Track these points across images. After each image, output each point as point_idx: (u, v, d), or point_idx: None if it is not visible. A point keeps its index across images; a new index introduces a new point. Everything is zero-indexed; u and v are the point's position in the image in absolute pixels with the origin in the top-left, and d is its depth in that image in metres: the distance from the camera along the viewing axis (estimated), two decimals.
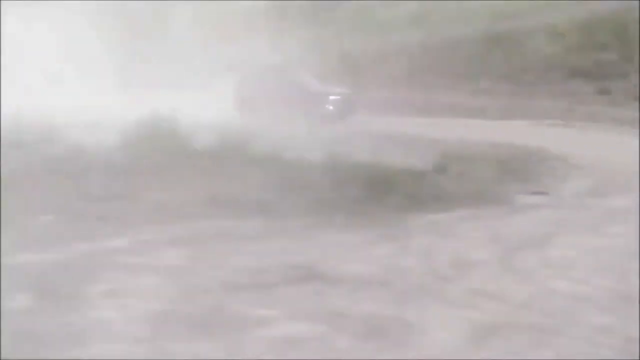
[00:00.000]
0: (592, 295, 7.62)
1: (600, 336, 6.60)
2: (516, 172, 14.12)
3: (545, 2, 31.10)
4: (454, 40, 28.08)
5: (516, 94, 23.78)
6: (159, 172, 10.51)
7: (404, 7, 39.36)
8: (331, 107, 22.36)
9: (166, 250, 8.66)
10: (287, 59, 33.45)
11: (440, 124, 21.47)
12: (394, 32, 32.49)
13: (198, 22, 29.20)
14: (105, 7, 27.16)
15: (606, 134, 19.88)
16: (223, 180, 10.90)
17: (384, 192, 11.37)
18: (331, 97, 22.56)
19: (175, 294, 7.05)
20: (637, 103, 22.15)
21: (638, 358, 6.02)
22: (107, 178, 10.75)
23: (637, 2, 28.42)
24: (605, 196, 12.84)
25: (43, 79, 23.67)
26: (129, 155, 11.65)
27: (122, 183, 10.67)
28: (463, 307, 7.18)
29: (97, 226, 9.45)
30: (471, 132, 19.23)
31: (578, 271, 8.40)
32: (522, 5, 32.65)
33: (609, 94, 23.24)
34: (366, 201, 11.18)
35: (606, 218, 11.14)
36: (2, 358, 5.50)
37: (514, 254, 8.94)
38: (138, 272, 7.74)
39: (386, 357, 5.94)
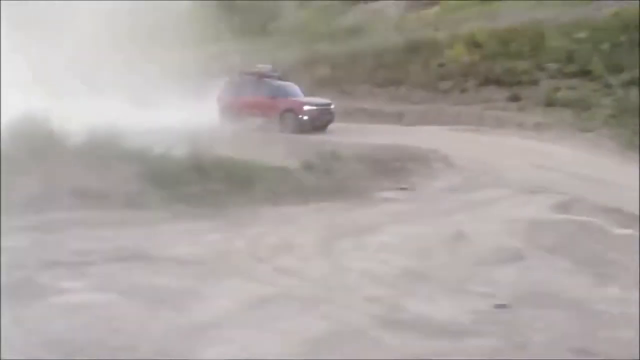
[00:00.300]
0: (382, 273, 8.41)
1: (367, 305, 7.40)
2: (390, 170, 14.94)
3: (465, 15, 32.39)
4: (380, 49, 29.04)
5: (433, 100, 24.63)
6: (28, 168, 11.11)
7: (342, 21, 40.77)
8: (306, 117, 22.59)
9: (13, 235, 9.25)
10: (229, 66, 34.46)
11: (351, 128, 22.35)
12: (331, 42, 33.58)
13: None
14: None
15: (506, 137, 20.76)
16: (92, 174, 11.54)
17: (247, 186, 12.12)
18: (306, 107, 22.76)
19: None
20: (544, 108, 23.08)
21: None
22: None
23: (552, 14, 29.58)
24: (466, 191, 13.68)
25: None
26: None
27: None
28: (256, 282, 7.95)
29: None
30: (373, 136, 20.11)
31: (385, 254, 9.20)
32: (443, 17, 33.93)
33: (519, 101, 24.15)
34: (229, 194, 11.91)
35: (450, 210, 11.97)
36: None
37: (336, 239, 9.72)
38: None
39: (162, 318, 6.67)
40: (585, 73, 24.79)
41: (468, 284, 8.24)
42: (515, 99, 24.29)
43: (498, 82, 25.22)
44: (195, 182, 11.94)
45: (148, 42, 36.47)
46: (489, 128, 22.30)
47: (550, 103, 23.38)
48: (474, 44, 27.59)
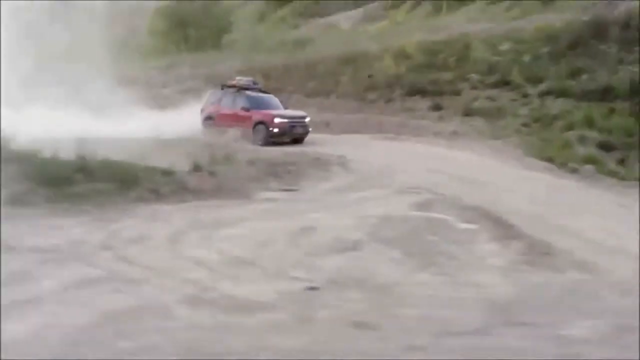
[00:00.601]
0: (212, 260, 9.22)
1: (182, 286, 8.20)
2: (283, 173, 15.74)
3: (409, 29, 33.53)
4: (314, 61, 29.98)
5: (360, 110, 25.46)
6: None
7: (295, 34, 41.93)
8: (276, 130, 22.79)
9: None
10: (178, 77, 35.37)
11: None
12: (276, 54, 34.60)
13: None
14: None
15: (419, 144, 21.61)
16: None
17: (130, 186, 12.88)
18: (276, 120, 22.94)
19: None
20: (462, 118, 23.99)
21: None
22: None
23: (487, 27, 30.69)
24: (346, 192, 14.48)
25: None
26: None
27: None
28: (91, 266, 8.72)
29: None
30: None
31: (226, 244, 10.01)
32: (390, 30, 35.06)
33: (440, 110, 25.04)
34: (112, 194, 12.65)
35: (318, 208, 12.76)
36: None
37: (188, 232, 10.52)
38: None
39: None
40: (505, 83, 25.79)
41: (291, 270, 9.04)
42: (436, 108, 25.18)
43: (422, 92, 26.12)
44: (81, 182, 12.66)
45: (106, 55, 37.40)
46: (407, 136, 23.11)
47: (468, 112, 24.28)
48: (404, 56, 28.55)
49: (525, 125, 23.00)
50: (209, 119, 24.49)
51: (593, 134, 21.67)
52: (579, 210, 14.19)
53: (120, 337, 6.55)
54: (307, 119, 23.74)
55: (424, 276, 9.14)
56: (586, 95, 24.04)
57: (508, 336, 7.25)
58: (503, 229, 11.33)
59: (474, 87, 25.91)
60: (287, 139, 22.89)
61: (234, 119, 23.55)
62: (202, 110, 24.91)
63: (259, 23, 51.41)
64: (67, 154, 13.62)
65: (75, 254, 9.24)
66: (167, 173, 13.62)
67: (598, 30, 27.33)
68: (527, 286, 8.99)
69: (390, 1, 45.68)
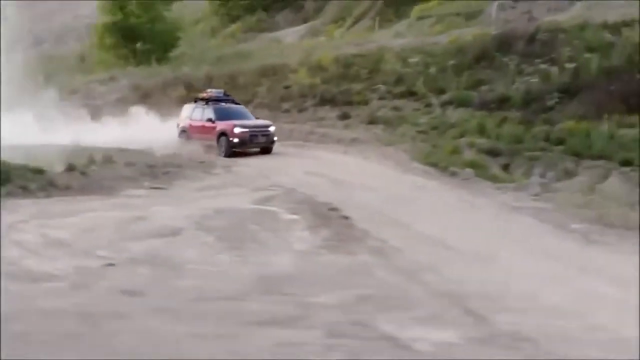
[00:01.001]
0: (35, 242, 10.35)
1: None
2: (160, 174, 16.93)
3: (330, 43, 34.94)
4: (236, 72, 31.30)
5: (274, 118, 26.65)
6: None
7: (242, 47, 43.21)
8: (236, 140, 23.00)
9: None
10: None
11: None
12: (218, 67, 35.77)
13: None
14: None
15: (318, 151, 22.85)
16: None
17: (3, 183, 14.01)
18: (236, 130, 23.08)
19: None
20: (366, 126, 25.26)
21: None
22: None
23: (398, 42, 32.09)
24: (210, 190, 15.67)
25: None
26: None
27: None
28: None
29: None
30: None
31: (62, 230, 11.14)
32: (323, 44, 36.46)
33: (348, 119, 26.30)
34: None
35: (170, 202, 13.93)
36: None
37: (25, 221, 11.66)
38: None
39: None
40: (411, 94, 27.12)
41: (100, 251, 10.18)
42: (344, 117, 26.43)
43: (333, 102, 27.40)
44: None
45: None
46: (313, 143, 24.34)
47: (372, 121, 25.55)
48: (319, 68, 29.88)
49: (422, 132, 24.23)
50: (183, 132, 25.10)
51: (483, 141, 22.93)
52: (426, 207, 15.33)
53: None
54: (271, 128, 23.82)
55: (222, 257, 10.29)
56: (484, 105, 25.39)
57: (257, 302, 8.40)
58: (322, 219, 12.50)
59: (381, 97, 27.23)
60: (252, 149, 23.35)
61: (202, 131, 24.06)
62: (177, 125, 25.44)
63: (210, 38, 52.55)
64: None
65: None
66: (38, 172, 14.73)
67: (503, 43, 28.78)
68: (312, 266, 10.14)
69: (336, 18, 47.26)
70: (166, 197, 14.86)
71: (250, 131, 23.14)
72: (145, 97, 29.58)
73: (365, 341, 7.05)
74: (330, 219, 12.63)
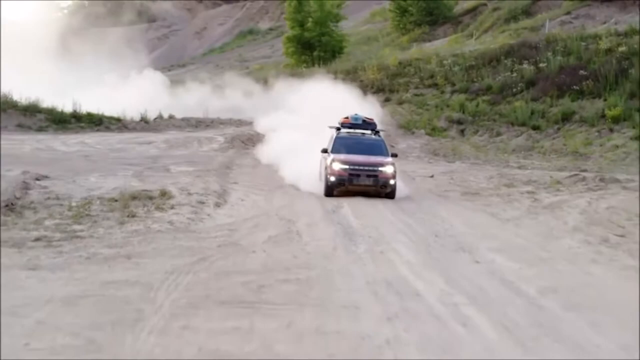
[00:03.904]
0: None
1: None
2: (199, 126, 31.69)
3: (422, 49, 48.26)
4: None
5: None
6: None
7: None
8: (333, 179, 18.98)
9: None
10: None
11: None
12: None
13: None
14: None
15: None
16: None
17: None
18: (335, 166, 18.95)
19: None
20: (397, 105, 38.63)
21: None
22: None
23: (453, 49, 44.80)
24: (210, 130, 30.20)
25: None
26: None
27: None
28: None
29: None
30: None
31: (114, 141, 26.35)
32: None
33: (389, 101, 39.75)
34: None
35: (178, 135, 28.67)
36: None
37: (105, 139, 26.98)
38: None
39: None
40: (435, 85, 40.12)
41: (132, 144, 25.23)
42: (386, 100, 39.92)
43: (384, 90, 40.93)
44: None
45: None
46: None
47: (400, 102, 38.99)
48: (386, 67, 43.52)
49: (427, 109, 37.27)
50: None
51: (456, 114, 35.72)
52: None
53: None
54: (383, 169, 19.30)
55: (170, 150, 24.92)
56: (475, 92, 37.94)
57: (166, 159, 22.99)
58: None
59: (416, 87, 40.38)
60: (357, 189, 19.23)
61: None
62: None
63: (384, 47, 66.07)
64: None
65: None
66: (117, 120, 30.15)
67: (512, 50, 40.88)
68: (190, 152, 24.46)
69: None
70: (182, 133, 29.57)
71: (351, 169, 18.94)
72: None
73: None
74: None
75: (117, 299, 9.31)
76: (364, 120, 21.50)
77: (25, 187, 16.04)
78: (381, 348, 7.98)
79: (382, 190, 19.03)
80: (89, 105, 30.63)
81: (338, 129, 21.11)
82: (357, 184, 19.04)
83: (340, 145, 20.20)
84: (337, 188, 19.00)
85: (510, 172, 24.16)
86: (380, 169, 19.11)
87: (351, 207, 17.20)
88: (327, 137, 21.17)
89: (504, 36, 47.74)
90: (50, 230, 13.01)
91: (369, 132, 21.26)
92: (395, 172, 19.11)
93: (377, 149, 20.38)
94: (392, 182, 19.03)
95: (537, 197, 18.92)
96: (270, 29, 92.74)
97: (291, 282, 10.43)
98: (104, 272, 10.60)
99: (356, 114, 21.55)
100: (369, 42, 67.64)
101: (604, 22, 47.49)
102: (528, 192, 19.74)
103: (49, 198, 15.43)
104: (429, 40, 60.85)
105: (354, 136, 20.89)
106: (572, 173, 23.06)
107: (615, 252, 12.86)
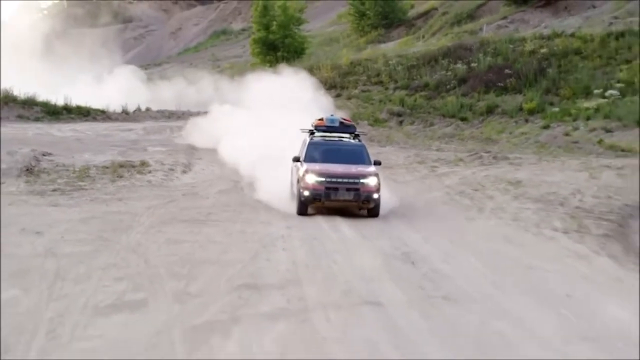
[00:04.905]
0: None
1: None
2: (172, 117, 36.97)
3: (375, 50, 53.72)
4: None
5: None
6: None
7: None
8: (307, 193, 16.16)
9: None
10: None
11: None
12: None
13: None
14: None
15: None
16: None
17: None
18: (309, 179, 16.07)
19: None
20: (346, 100, 44.05)
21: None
22: None
23: (399, 50, 50.27)
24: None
25: None
26: None
27: None
28: None
29: None
30: None
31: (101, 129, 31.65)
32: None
33: (340, 96, 45.11)
34: None
35: (152, 124, 33.96)
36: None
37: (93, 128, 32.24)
38: None
39: None
40: (380, 82, 45.57)
41: (116, 130, 30.51)
42: (337, 95, 45.34)
43: (335, 87, 46.31)
44: None
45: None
46: None
47: (350, 97, 44.37)
48: (339, 66, 48.91)
49: (372, 103, 42.71)
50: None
51: (396, 107, 41.14)
52: None
53: None
54: (366, 180, 16.48)
55: (147, 135, 30.23)
56: (414, 89, 43.42)
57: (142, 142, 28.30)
58: None
59: (363, 84, 45.80)
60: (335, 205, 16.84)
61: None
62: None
63: (343, 48, 71.14)
64: None
65: None
66: (102, 112, 35.40)
67: (449, 51, 46.41)
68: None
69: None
70: (157, 123, 34.84)
71: (328, 181, 16.49)
72: None
73: None
74: None
75: (114, 220, 14.61)
76: (341, 122, 18.61)
77: (36, 159, 21.16)
78: (278, 239, 13.37)
79: (364, 205, 16.43)
80: (77, 99, 35.92)
81: (312, 132, 18.40)
82: (336, 199, 16.36)
83: (314, 152, 17.52)
84: (312, 204, 16.44)
85: (427, 153, 29.47)
86: (362, 180, 16.33)
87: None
88: (275, 123, 22.23)
89: (447, 39, 53.23)
90: (62, 185, 18.28)
91: (347, 136, 18.37)
92: (379, 184, 16.50)
93: (358, 156, 17.58)
94: (375, 196, 16.32)
95: (436, 169, 24.32)
96: (243, 30, 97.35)
97: (229, 211, 15.93)
98: (104, 207, 15.96)
99: (332, 115, 18.95)
100: (331, 43, 72.77)
101: (536, 27, 53.10)
102: (431, 167, 25.11)
103: (56, 166, 20.64)
104: (384, 42, 65.88)
105: (330, 141, 18.02)
106: (474, 153, 28.44)
107: (462, 199, 18.39)
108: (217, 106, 30.03)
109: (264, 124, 23.27)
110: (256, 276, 10.59)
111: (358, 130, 18.89)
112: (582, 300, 10.02)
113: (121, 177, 19.80)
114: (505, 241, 13.86)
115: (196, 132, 27.97)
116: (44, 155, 22.31)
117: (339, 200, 16.41)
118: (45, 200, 16.56)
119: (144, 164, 21.83)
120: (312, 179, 16.30)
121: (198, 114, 36.66)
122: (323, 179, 16.31)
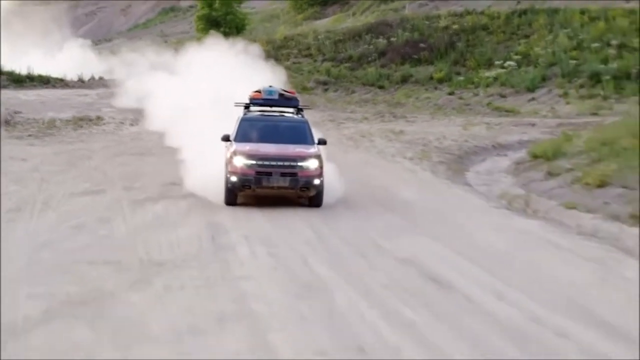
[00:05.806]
0: None
1: None
2: None
3: (309, 26, 58.89)
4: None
5: None
6: None
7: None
8: (234, 179, 14.44)
9: None
10: None
11: None
12: None
13: None
14: None
15: None
16: None
17: None
18: (237, 161, 14.32)
19: None
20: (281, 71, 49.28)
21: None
22: None
23: (330, 26, 55.53)
24: None
25: None
26: None
27: None
28: None
29: None
30: None
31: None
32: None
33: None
34: None
35: None
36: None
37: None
38: None
39: None
40: (310, 55, 50.79)
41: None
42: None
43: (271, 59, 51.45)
44: None
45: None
46: None
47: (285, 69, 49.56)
48: (273, 41, 54.00)
49: (302, 74, 47.92)
50: None
51: (322, 77, 46.40)
52: None
53: None
54: (305, 163, 14.21)
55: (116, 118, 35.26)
56: (340, 61, 48.72)
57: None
58: None
59: (295, 57, 50.96)
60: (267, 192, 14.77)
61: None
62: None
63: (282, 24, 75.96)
64: None
65: None
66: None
67: (372, 28, 51.77)
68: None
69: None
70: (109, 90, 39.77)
71: (259, 164, 14.14)
72: None
73: None
74: None
75: (79, 154, 19.84)
76: (281, 94, 16.09)
77: (11, 116, 26.11)
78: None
79: (302, 193, 14.24)
80: (37, 69, 40.46)
81: (247, 106, 15.89)
82: (268, 185, 14.10)
83: (247, 130, 15.14)
84: (242, 192, 14.24)
85: (341, 114, 34.69)
86: (300, 163, 14.07)
87: None
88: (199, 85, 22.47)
89: (373, 16, 58.61)
90: (34, 132, 23.44)
91: (290, 111, 16.02)
92: (321, 167, 14.21)
93: (298, 134, 15.04)
94: (316, 181, 14.05)
95: (341, 125, 29.68)
96: (191, 7, 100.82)
97: (166, 150, 21.05)
98: (69, 146, 21.18)
99: (271, 87, 16.28)
100: (272, 19, 77.69)
101: (453, 6, 58.63)
102: (339, 123, 30.46)
103: (28, 120, 25.63)
104: (320, 19, 70.94)
105: (266, 117, 15.68)
106: (379, 113, 33.91)
107: (347, 141, 23.95)
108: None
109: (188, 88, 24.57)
110: (177, 180, 15.76)
111: (301, 104, 16.40)
112: (390, 189, 15.59)
113: (81, 127, 24.88)
114: (363, 163, 19.37)
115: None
116: (15, 113, 27.17)
117: (273, 187, 14.12)
118: (23, 142, 21.70)
119: (99, 118, 26.85)
120: (240, 162, 13.97)
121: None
122: (253, 162, 13.97)
